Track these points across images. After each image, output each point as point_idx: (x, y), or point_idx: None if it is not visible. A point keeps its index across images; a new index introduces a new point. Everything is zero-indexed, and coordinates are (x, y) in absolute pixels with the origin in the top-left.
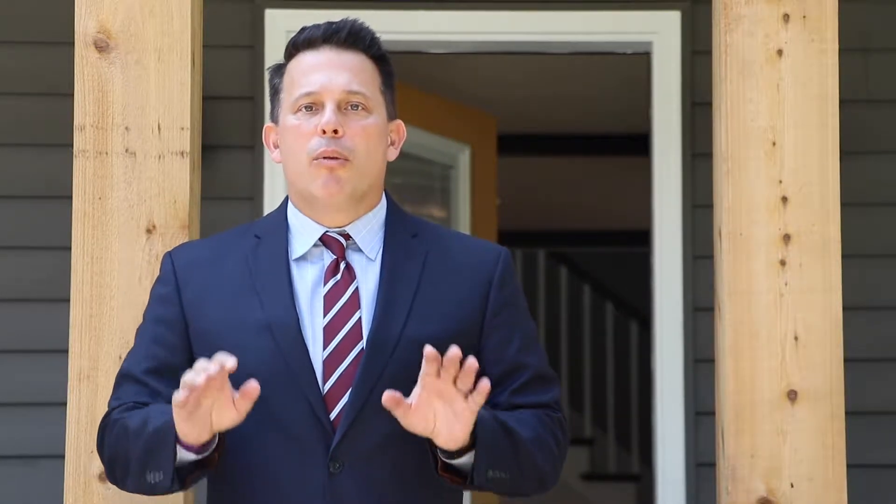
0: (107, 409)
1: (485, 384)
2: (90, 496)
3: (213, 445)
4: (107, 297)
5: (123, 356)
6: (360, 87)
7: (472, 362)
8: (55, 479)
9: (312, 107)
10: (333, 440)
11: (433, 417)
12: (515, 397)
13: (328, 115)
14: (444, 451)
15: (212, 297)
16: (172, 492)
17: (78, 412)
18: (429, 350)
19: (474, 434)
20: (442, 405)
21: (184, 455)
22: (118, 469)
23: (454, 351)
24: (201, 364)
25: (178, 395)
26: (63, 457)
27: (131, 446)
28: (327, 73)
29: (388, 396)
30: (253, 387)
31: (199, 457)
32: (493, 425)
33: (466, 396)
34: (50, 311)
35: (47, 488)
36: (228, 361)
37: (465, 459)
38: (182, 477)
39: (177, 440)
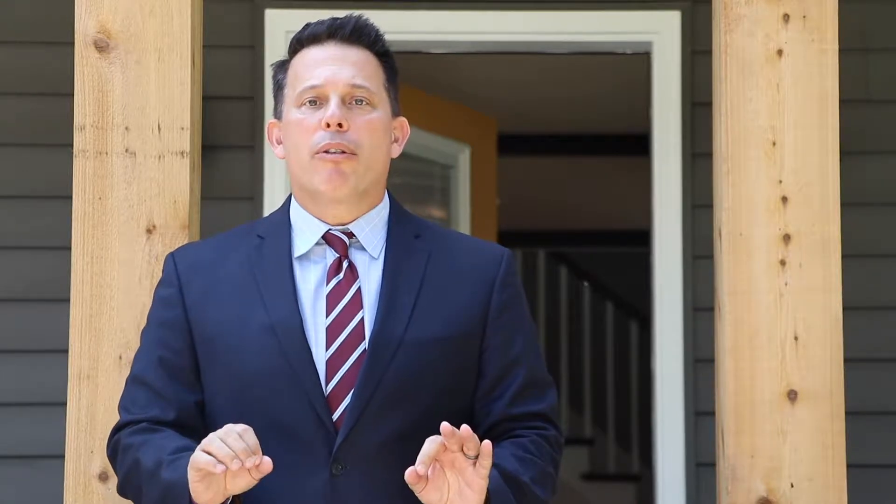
0: (118, 415)
1: (487, 445)
2: (90, 496)
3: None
4: (107, 297)
5: (123, 356)
6: (365, 82)
7: (465, 428)
8: (55, 479)
9: (317, 101)
10: (336, 442)
11: (447, 489)
12: (512, 407)
13: (332, 109)
14: None
15: (215, 297)
16: None
17: (78, 412)
18: (445, 426)
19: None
20: (453, 475)
21: None
22: (130, 494)
23: (467, 429)
24: (236, 444)
25: (202, 461)
26: (63, 457)
27: (144, 486)
28: (332, 67)
29: (410, 473)
30: (267, 461)
31: None
32: (507, 493)
33: (475, 464)
34: (50, 311)
35: (47, 488)
36: (265, 465)
37: None
38: None
39: (190, 500)
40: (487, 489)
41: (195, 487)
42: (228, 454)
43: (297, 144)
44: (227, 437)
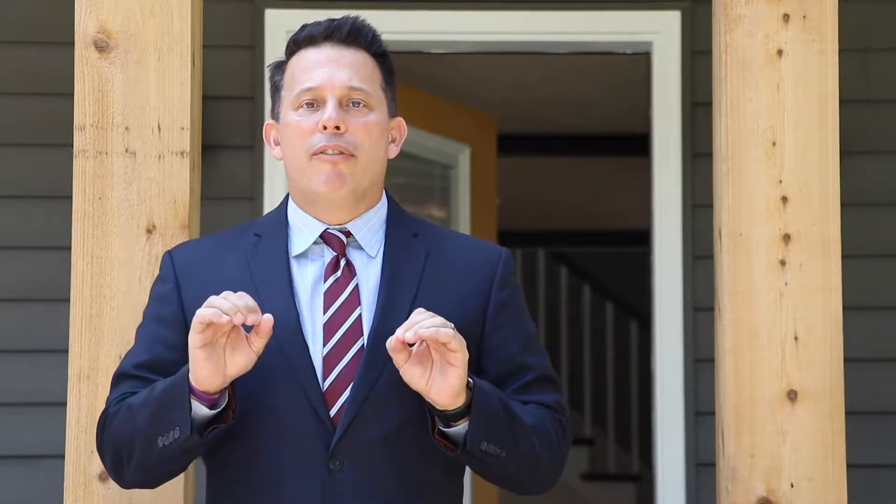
0: (105, 407)
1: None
2: (90, 496)
3: (226, 400)
4: (107, 297)
5: (123, 356)
6: (362, 84)
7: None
8: (55, 479)
9: (314, 103)
10: (333, 438)
11: (430, 366)
12: (518, 396)
13: (329, 111)
14: (442, 417)
15: (211, 294)
16: (191, 445)
17: (78, 412)
18: (390, 345)
19: (471, 402)
20: (437, 355)
21: (198, 409)
22: (123, 451)
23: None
24: (238, 301)
25: (208, 313)
26: (63, 457)
27: (138, 419)
28: (329, 69)
29: (394, 340)
30: (267, 320)
31: (214, 411)
32: (491, 396)
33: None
34: (50, 311)
35: (47, 488)
36: (265, 323)
37: (461, 428)
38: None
39: (190, 392)
40: (471, 379)
41: (196, 356)
42: (232, 307)
43: (295, 147)
44: (227, 295)
